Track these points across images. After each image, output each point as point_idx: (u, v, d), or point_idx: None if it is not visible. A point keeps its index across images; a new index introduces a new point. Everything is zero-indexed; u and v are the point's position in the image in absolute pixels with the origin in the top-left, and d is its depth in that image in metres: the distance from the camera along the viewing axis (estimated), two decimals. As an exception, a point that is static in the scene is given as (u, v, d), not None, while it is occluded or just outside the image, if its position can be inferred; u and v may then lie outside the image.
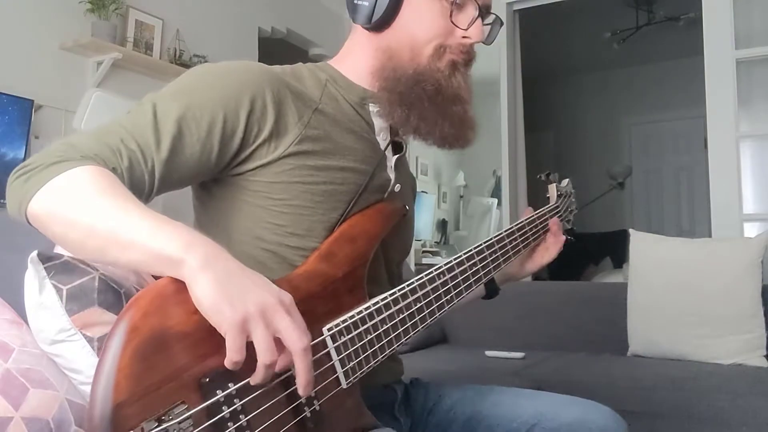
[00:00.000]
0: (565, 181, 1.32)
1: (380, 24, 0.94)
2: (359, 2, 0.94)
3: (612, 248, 5.44)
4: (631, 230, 2.44)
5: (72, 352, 0.88)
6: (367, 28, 0.96)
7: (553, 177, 1.29)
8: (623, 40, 5.39)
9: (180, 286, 0.65)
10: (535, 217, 1.16)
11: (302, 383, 0.67)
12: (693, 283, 2.18)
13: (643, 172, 6.25)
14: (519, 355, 2.32)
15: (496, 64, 3.84)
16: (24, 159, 2.46)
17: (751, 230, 3.15)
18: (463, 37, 0.95)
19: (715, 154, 3.24)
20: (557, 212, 1.23)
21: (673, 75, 5.92)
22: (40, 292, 0.89)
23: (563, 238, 1.18)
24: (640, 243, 2.38)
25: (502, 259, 1.05)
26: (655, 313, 2.24)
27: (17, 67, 2.59)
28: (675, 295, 2.20)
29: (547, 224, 1.17)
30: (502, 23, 1.02)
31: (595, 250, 5.66)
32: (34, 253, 0.89)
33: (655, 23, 5.15)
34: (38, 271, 0.89)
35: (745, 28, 3.26)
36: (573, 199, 1.33)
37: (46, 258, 0.89)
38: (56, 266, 0.89)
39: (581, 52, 5.98)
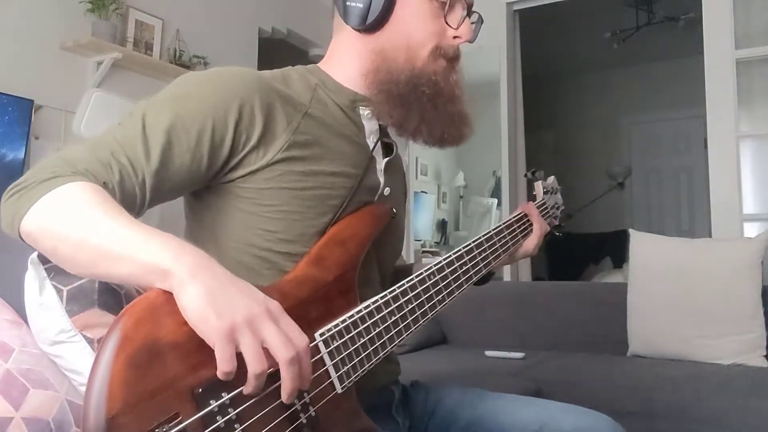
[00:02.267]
0: (551, 179, 1.35)
1: (374, 26, 0.93)
2: (351, 3, 0.93)
3: (612, 248, 5.44)
4: (631, 230, 2.44)
5: (72, 353, 0.88)
6: (359, 30, 0.95)
7: (539, 174, 1.33)
8: (623, 40, 5.39)
9: (171, 296, 0.65)
10: (523, 214, 1.17)
11: (286, 391, 0.66)
12: (693, 283, 2.18)
13: (643, 172, 6.24)
14: (519, 355, 2.32)
15: (496, 64, 3.83)
16: (24, 159, 2.47)
17: (751, 230, 3.16)
18: (455, 37, 0.96)
19: (715, 154, 3.25)
20: (544, 208, 1.27)
21: (673, 75, 5.91)
22: (40, 293, 0.89)
23: (540, 221, 1.19)
24: (640, 243, 2.38)
25: (492, 257, 1.06)
26: (655, 313, 2.24)
27: (17, 67, 2.59)
28: (675, 295, 2.20)
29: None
30: (482, 21, 1.03)
31: (595, 250, 5.67)
32: (35, 254, 0.89)
33: (655, 23, 5.14)
34: (38, 272, 0.89)
35: (745, 28, 3.27)
36: (559, 196, 1.37)
37: (46, 259, 0.89)
38: (56, 267, 0.89)
39: (581, 52, 5.98)
